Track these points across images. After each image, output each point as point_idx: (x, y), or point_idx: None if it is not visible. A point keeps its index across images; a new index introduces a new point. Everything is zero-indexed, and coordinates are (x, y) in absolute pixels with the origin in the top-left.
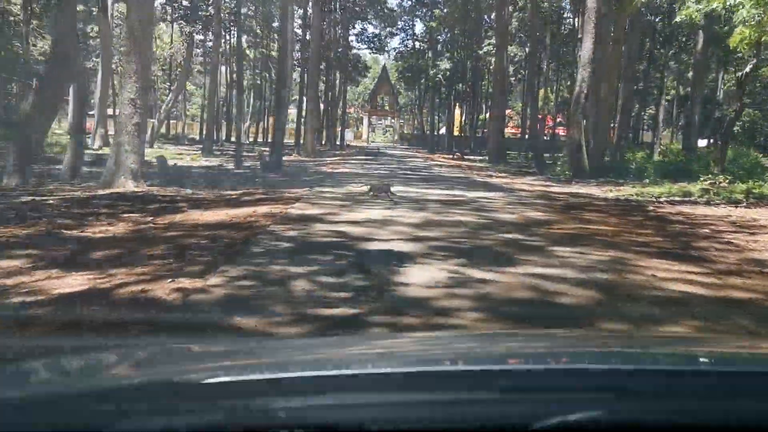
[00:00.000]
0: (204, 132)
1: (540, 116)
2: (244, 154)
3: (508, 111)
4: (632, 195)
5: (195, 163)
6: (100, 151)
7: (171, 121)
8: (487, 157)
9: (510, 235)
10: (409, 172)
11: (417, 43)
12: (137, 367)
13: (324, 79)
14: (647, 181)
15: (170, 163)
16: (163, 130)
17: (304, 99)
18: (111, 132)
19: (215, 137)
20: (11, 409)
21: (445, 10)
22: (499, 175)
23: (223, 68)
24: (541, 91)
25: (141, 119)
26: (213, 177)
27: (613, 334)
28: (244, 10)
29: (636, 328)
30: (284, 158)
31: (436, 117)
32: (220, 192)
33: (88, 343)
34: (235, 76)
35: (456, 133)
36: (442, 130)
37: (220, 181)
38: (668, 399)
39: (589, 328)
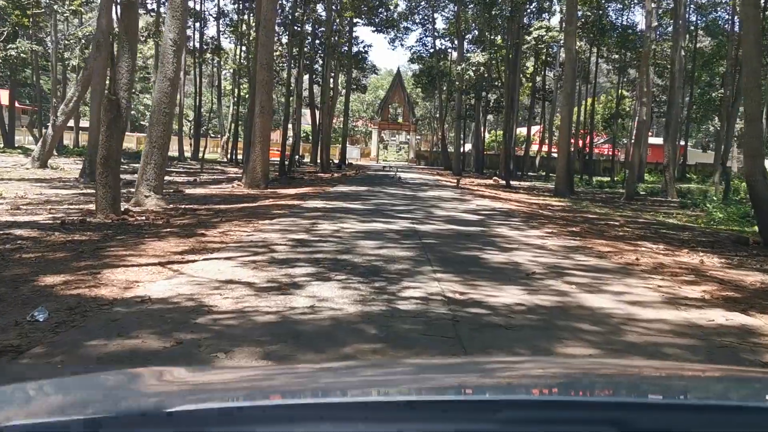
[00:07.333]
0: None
1: (584, 132)
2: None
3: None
4: None
5: None
6: None
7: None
8: (553, 187)
9: None
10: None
11: (438, 41)
12: (129, 394)
13: (317, 78)
14: None
15: None
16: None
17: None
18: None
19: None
20: None
21: None
22: (726, 274)
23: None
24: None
25: None
26: None
27: (615, 363)
28: None
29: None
30: (208, 191)
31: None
32: None
33: None
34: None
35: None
36: (466, 147)
37: None
38: None
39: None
